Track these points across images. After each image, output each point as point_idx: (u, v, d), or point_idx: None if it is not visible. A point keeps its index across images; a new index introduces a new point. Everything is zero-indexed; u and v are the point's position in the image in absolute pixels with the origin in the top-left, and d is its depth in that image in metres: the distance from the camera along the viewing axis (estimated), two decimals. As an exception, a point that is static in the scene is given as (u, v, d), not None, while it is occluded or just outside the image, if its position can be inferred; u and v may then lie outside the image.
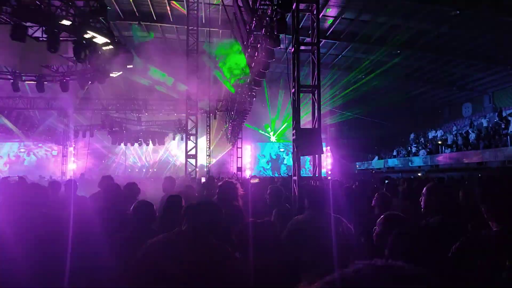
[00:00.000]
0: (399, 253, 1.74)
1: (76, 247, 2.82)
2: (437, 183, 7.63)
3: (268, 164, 30.50)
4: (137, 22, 18.03)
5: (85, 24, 9.08)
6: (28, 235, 2.76)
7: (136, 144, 24.86)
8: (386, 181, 11.48)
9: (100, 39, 9.29)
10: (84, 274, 2.73)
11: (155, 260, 2.06)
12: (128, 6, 16.92)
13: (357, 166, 29.03)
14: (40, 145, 26.10)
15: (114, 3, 16.44)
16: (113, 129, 21.88)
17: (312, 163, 5.77)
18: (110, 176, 6.75)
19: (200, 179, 13.70)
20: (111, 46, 9.60)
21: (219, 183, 3.43)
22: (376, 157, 27.76)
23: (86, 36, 9.11)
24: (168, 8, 17.02)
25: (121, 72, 11.52)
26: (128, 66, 10.76)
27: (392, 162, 25.36)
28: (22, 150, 26.64)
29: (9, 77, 14.36)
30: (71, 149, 24.48)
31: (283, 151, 30.40)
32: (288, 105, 24.86)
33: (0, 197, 5.12)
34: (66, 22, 8.76)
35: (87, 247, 2.85)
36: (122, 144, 24.64)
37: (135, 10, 17.18)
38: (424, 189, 2.89)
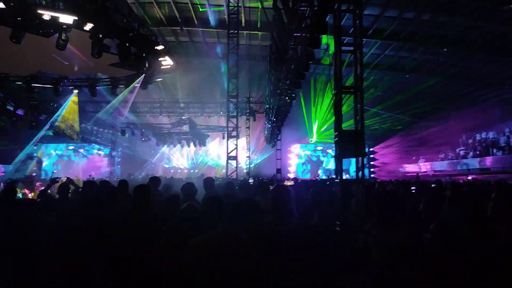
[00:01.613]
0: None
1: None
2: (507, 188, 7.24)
3: (306, 166, 30.14)
4: (179, 28, 18.54)
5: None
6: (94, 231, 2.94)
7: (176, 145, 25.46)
8: (433, 185, 11.03)
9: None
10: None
11: (197, 260, 2.10)
12: (171, 12, 17.46)
13: (402, 169, 28.09)
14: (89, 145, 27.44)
15: (158, 9, 17.03)
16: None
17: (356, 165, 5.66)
18: (158, 177, 7.05)
19: (247, 180, 13.84)
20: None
21: (271, 187, 3.39)
22: (423, 160, 26.72)
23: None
24: (209, 13, 17.37)
25: (170, 66, 11.48)
26: (165, 64, 10.86)
27: (439, 165, 24.28)
28: (70, 147, 27.90)
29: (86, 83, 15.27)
30: (118, 150, 25.61)
31: (322, 153, 29.99)
32: (330, 106, 24.57)
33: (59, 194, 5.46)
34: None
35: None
36: (165, 146, 25.38)
37: (177, 16, 17.68)
38: (494, 194, 2.75)
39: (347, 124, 5.90)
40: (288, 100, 13.42)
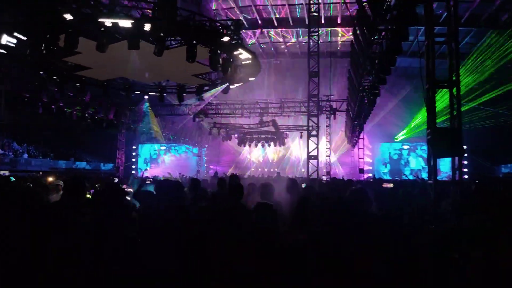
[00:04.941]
0: None
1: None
2: None
3: (386, 167, 28.37)
4: (260, 30, 18.92)
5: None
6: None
7: (257, 145, 25.97)
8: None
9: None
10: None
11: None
12: (251, 15, 17.89)
13: (503, 169, 25.16)
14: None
15: (239, 14, 17.57)
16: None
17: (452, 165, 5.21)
18: (237, 176, 7.30)
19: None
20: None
21: (352, 186, 3.34)
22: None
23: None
24: (288, 12, 17.43)
25: (252, 78, 11.84)
26: (250, 78, 11.05)
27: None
28: (162, 147, 30.17)
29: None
30: (204, 150, 27.02)
31: (406, 152, 28.11)
32: (418, 102, 22.96)
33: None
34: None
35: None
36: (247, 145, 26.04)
37: (258, 18, 18.05)
38: None
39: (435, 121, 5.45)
40: (372, 97, 12.87)
